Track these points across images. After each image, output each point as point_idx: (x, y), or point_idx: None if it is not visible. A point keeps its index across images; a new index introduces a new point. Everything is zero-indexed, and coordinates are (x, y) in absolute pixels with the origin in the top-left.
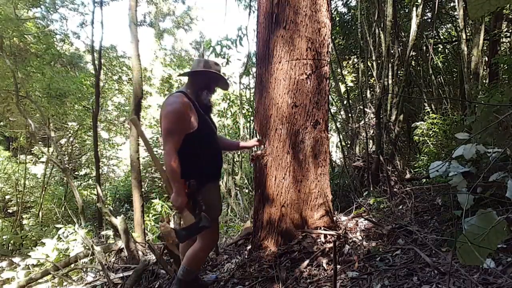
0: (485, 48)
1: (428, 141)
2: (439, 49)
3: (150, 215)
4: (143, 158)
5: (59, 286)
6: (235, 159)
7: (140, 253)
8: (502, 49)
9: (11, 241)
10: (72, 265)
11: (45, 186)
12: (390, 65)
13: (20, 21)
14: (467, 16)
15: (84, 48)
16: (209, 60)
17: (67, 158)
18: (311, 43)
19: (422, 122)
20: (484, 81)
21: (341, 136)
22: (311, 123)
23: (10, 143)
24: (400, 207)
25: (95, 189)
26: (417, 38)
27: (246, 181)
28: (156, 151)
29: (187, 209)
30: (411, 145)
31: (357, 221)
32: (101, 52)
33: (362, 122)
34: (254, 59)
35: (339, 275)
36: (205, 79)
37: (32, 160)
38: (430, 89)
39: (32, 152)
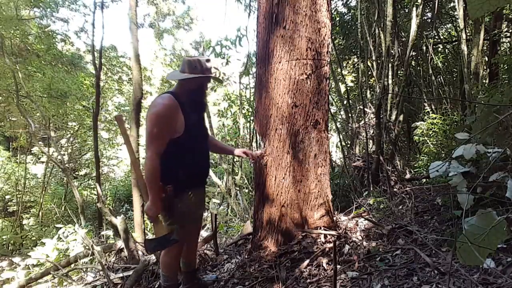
0: (485, 48)
1: (428, 141)
2: (439, 49)
3: None
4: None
5: (59, 286)
6: (235, 159)
7: (140, 253)
8: (502, 49)
9: (11, 241)
10: (72, 265)
11: (45, 186)
12: (390, 65)
13: (21, 21)
14: (467, 16)
15: (85, 48)
16: (200, 59)
17: (67, 158)
18: (311, 43)
19: (422, 122)
20: (484, 81)
21: (341, 136)
22: (311, 123)
23: (10, 143)
24: (400, 207)
25: (95, 189)
26: (417, 38)
27: (246, 181)
28: None
29: (160, 219)
30: (411, 145)
31: (357, 221)
32: (102, 52)
33: (362, 122)
34: (254, 59)
35: (339, 275)
36: (198, 79)
37: (32, 160)
38: (430, 89)
39: (32, 152)
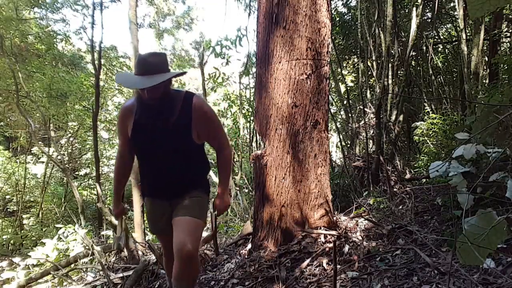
0: (485, 48)
1: (428, 141)
2: (439, 49)
3: None
4: None
5: (59, 286)
6: (235, 159)
7: (140, 253)
8: (502, 49)
9: (11, 241)
10: (72, 265)
11: (45, 186)
12: (390, 65)
13: (21, 21)
14: (467, 16)
15: (85, 48)
16: (140, 58)
17: (67, 158)
18: (311, 43)
19: (422, 122)
20: (484, 81)
21: (341, 136)
22: (311, 123)
23: (10, 143)
24: (400, 207)
25: (95, 189)
26: (417, 38)
27: (246, 181)
28: None
29: (123, 218)
30: (411, 145)
31: (357, 221)
32: (101, 52)
33: (362, 122)
34: (254, 59)
35: (339, 275)
36: None
37: (32, 160)
38: (430, 89)
39: (32, 152)
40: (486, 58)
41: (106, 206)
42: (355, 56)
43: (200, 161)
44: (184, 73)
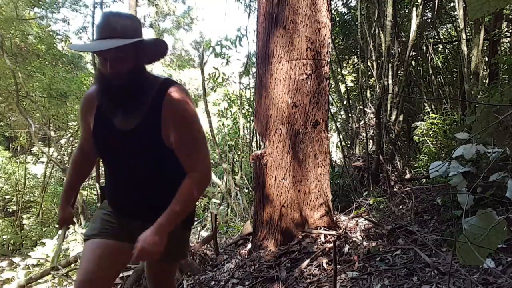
0: (485, 48)
1: (428, 141)
2: (439, 49)
3: None
4: None
5: (59, 286)
6: (235, 159)
7: None
8: (502, 49)
9: (11, 241)
10: (72, 265)
11: (45, 186)
12: (390, 65)
13: (21, 21)
14: (467, 16)
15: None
16: (101, 18)
17: (67, 158)
18: (311, 43)
19: (422, 122)
20: (484, 81)
21: (341, 136)
22: (311, 123)
23: (10, 143)
24: (400, 207)
25: (95, 189)
26: (417, 38)
27: (246, 181)
28: None
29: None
30: (411, 145)
31: (357, 221)
32: None
33: (362, 122)
34: (254, 59)
35: (339, 275)
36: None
37: (32, 160)
38: (430, 89)
39: (32, 152)
40: (486, 58)
41: None
42: (355, 56)
43: (177, 174)
44: (163, 42)
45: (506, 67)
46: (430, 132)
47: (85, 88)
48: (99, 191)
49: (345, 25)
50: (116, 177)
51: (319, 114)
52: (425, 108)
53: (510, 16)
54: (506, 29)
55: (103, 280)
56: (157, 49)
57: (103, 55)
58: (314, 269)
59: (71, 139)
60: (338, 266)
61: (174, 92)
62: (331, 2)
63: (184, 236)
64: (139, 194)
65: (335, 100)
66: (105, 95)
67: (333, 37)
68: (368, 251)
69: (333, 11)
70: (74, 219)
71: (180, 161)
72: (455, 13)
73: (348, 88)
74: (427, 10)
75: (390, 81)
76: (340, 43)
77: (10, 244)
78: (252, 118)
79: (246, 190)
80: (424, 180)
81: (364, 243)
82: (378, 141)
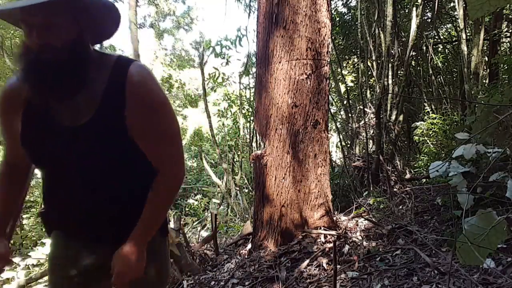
0: (485, 48)
1: (428, 141)
2: (439, 49)
3: None
4: None
5: None
6: (235, 159)
7: None
8: (502, 49)
9: (11, 241)
10: None
11: None
12: (390, 65)
13: None
14: (467, 16)
15: None
16: None
17: None
18: (311, 43)
19: (422, 122)
20: (484, 81)
21: (341, 136)
22: (311, 123)
23: None
24: (400, 207)
25: None
26: (417, 38)
27: (246, 181)
28: None
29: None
30: (411, 145)
31: (357, 221)
32: None
33: (362, 122)
34: (254, 59)
35: (339, 275)
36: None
37: None
38: (430, 89)
39: None
40: (486, 58)
41: None
42: (355, 56)
43: (146, 177)
44: (113, 7)
45: (506, 67)
46: (430, 132)
47: None
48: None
49: (345, 25)
50: (66, 191)
51: (319, 114)
52: (425, 108)
53: (510, 16)
54: (506, 29)
55: None
56: (106, 18)
57: (27, 20)
58: (314, 269)
59: None
60: (338, 266)
61: (137, 74)
62: (331, 2)
63: (162, 245)
64: (102, 208)
65: (335, 100)
66: (36, 77)
67: (333, 37)
68: (368, 251)
69: (333, 11)
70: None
71: (148, 158)
72: (455, 13)
73: (348, 88)
74: (427, 10)
75: (390, 81)
76: (340, 43)
77: (10, 244)
78: (252, 118)
79: (246, 190)
80: (424, 180)
81: (364, 243)
82: (378, 141)
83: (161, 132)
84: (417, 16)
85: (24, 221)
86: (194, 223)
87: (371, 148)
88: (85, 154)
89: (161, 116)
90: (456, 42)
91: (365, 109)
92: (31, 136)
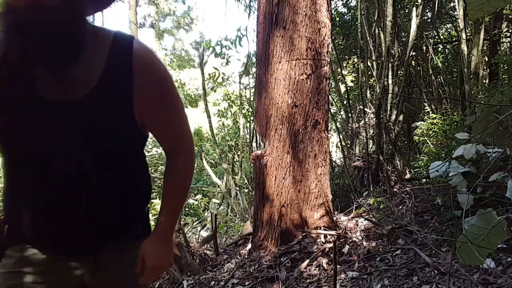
0: (485, 48)
1: (428, 141)
2: (439, 49)
3: (150, 215)
4: None
5: None
6: (235, 159)
7: None
8: (502, 49)
9: None
10: None
11: None
12: (390, 65)
13: None
14: (467, 16)
15: None
16: None
17: None
18: (311, 43)
19: (422, 122)
20: (484, 81)
21: (341, 136)
22: (311, 123)
23: None
24: (400, 207)
25: None
26: (417, 38)
27: (246, 181)
28: (156, 151)
29: None
30: (411, 145)
31: (357, 221)
32: None
33: (362, 122)
34: (254, 59)
35: (339, 275)
36: None
37: None
38: (430, 89)
39: None
40: (486, 58)
41: None
42: (355, 56)
43: (140, 173)
44: None
45: (506, 67)
46: (430, 132)
47: None
48: None
49: (345, 25)
50: (45, 188)
51: (319, 114)
52: (425, 108)
53: (510, 16)
54: (506, 29)
55: None
56: None
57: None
58: (314, 269)
59: None
60: (338, 266)
61: (144, 51)
62: (331, 2)
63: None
64: (95, 209)
65: (335, 100)
66: (24, 41)
67: (333, 37)
68: (368, 251)
69: (333, 11)
70: None
71: (162, 142)
72: (455, 13)
73: (348, 88)
74: (427, 10)
75: (390, 81)
76: (340, 43)
77: None
78: (252, 118)
79: (246, 190)
80: (424, 180)
81: (364, 243)
82: (378, 141)
83: (174, 109)
84: (417, 16)
85: None
86: (194, 223)
87: (371, 148)
88: (81, 135)
89: (171, 92)
90: (456, 42)
91: (365, 109)
92: (11, 111)
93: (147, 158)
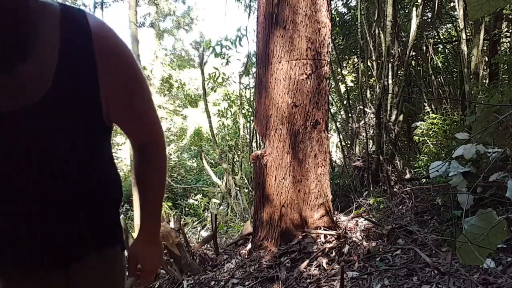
0: (485, 48)
1: (428, 141)
2: (439, 49)
3: None
4: None
5: None
6: (235, 159)
7: None
8: (502, 49)
9: None
10: None
11: None
12: (390, 65)
13: None
14: (467, 16)
15: None
16: None
17: None
18: (311, 43)
19: (422, 122)
20: (484, 81)
21: (341, 136)
22: (311, 123)
23: None
24: (400, 207)
25: None
26: (417, 38)
27: (246, 181)
28: None
29: None
30: (411, 145)
31: (357, 221)
32: None
33: (362, 122)
34: (254, 59)
35: (339, 275)
36: None
37: None
38: (430, 89)
39: None
40: (486, 58)
41: None
42: (355, 56)
43: (109, 173)
44: None
45: (506, 67)
46: (430, 132)
47: None
48: None
49: (345, 25)
50: (9, 204)
51: (319, 114)
52: (425, 108)
53: (510, 16)
54: (506, 29)
55: None
56: None
57: None
58: (314, 269)
59: None
60: (338, 266)
61: (107, 31)
62: (331, 2)
63: (122, 262)
64: (63, 218)
65: (335, 100)
66: None
67: (333, 37)
68: (368, 251)
69: (333, 11)
70: None
71: (129, 131)
72: (455, 13)
73: (348, 88)
74: (427, 10)
75: (390, 81)
76: (340, 43)
77: None
78: (252, 118)
79: (246, 190)
80: (424, 180)
81: (364, 243)
82: (378, 141)
83: (144, 95)
84: (417, 16)
85: None
86: (194, 223)
87: (371, 148)
88: (41, 144)
89: (139, 76)
90: (456, 42)
91: (365, 109)
92: None
93: None
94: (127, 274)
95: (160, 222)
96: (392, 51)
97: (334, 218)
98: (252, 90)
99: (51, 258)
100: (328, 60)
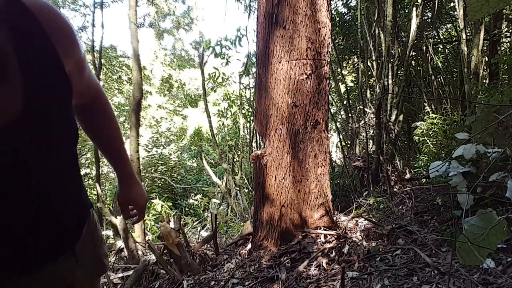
0: (485, 48)
1: (428, 141)
2: (439, 49)
3: (150, 215)
4: (143, 158)
5: None
6: (235, 159)
7: (140, 253)
8: (502, 49)
9: None
10: None
11: None
12: (390, 65)
13: None
14: (467, 16)
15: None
16: None
17: None
18: (311, 43)
19: (422, 122)
20: (484, 81)
21: (341, 136)
22: (311, 123)
23: None
24: (400, 207)
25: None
26: (417, 38)
27: (246, 181)
28: (156, 151)
29: None
30: (411, 145)
31: (357, 221)
32: (101, 52)
33: (362, 122)
34: (254, 59)
35: (339, 275)
36: None
37: None
38: (430, 89)
39: None
40: (486, 58)
41: (106, 206)
42: (355, 56)
43: (74, 161)
44: None
45: (506, 67)
46: (430, 132)
47: None
48: (99, 191)
49: (345, 25)
50: None
51: (319, 114)
52: (425, 108)
53: (510, 16)
54: (506, 29)
55: None
56: None
57: None
58: (314, 269)
59: None
60: (338, 266)
61: (40, 2)
62: (331, 2)
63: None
64: (48, 213)
65: (335, 100)
66: None
67: (333, 37)
68: (368, 251)
69: (333, 11)
70: None
71: (78, 93)
72: (455, 13)
73: (348, 88)
74: (427, 10)
75: (390, 81)
76: (340, 43)
77: None
78: (252, 118)
79: (246, 190)
80: (424, 180)
81: (364, 243)
82: (378, 141)
83: (84, 56)
84: (417, 16)
85: None
86: (194, 223)
87: (371, 148)
88: (22, 155)
89: (78, 38)
90: (456, 42)
91: (365, 109)
92: None
93: (146, 158)
94: (121, 217)
95: (129, 161)
96: (392, 51)
97: (334, 218)
98: (252, 90)
99: (31, 258)
100: (328, 60)
